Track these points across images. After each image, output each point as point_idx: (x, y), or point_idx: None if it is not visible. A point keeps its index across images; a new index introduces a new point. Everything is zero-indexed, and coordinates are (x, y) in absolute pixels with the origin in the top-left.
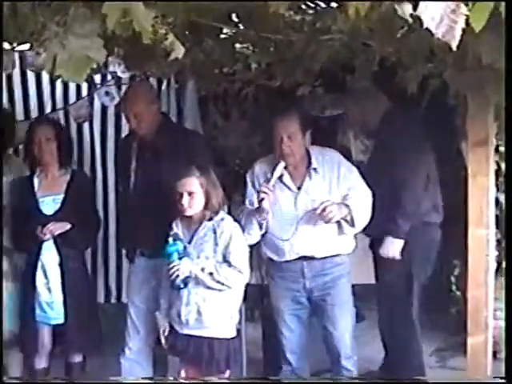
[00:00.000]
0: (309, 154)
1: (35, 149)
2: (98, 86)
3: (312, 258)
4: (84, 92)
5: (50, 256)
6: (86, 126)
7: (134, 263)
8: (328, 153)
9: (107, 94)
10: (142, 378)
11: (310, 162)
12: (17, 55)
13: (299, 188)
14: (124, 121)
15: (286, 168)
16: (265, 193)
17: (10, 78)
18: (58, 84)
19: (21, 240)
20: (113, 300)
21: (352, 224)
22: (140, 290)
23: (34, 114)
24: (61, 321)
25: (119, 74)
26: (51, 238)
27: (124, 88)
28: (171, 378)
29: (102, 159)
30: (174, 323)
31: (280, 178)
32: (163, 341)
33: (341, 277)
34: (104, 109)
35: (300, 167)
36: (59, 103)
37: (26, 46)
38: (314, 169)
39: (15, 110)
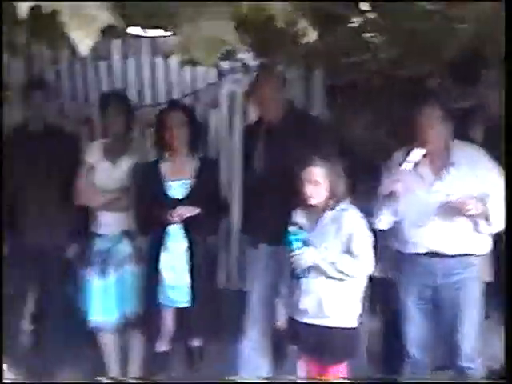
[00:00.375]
0: (449, 147)
1: (166, 134)
2: (227, 73)
3: (443, 255)
4: (212, 79)
5: (176, 240)
6: (213, 112)
7: (256, 250)
8: (469, 148)
9: (235, 80)
10: (258, 378)
11: (449, 156)
12: (146, 41)
13: (435, 180)
14: (251, 108)
15: (424, 156)
16: (398, 177)
17: (138, 62)
18: (187, 70)
19: (147, 223)
20: (233, 287)
21: (489, 222)
22: (260, 277)
23: (162, 99)
24: (184, 304)
25: (247, 61)
26: (179, 222)
27: (252, 75)
28: (290, 378)
29: (228, 146)
30: (294, 312)
31: (416, 166)
32: (280, 329)
33: (472, 278)
34: (231, 95)
35: (438, 159)
36: (187, 89)
37: (157, 31)
38: (453, 163)
39: (143, 95)
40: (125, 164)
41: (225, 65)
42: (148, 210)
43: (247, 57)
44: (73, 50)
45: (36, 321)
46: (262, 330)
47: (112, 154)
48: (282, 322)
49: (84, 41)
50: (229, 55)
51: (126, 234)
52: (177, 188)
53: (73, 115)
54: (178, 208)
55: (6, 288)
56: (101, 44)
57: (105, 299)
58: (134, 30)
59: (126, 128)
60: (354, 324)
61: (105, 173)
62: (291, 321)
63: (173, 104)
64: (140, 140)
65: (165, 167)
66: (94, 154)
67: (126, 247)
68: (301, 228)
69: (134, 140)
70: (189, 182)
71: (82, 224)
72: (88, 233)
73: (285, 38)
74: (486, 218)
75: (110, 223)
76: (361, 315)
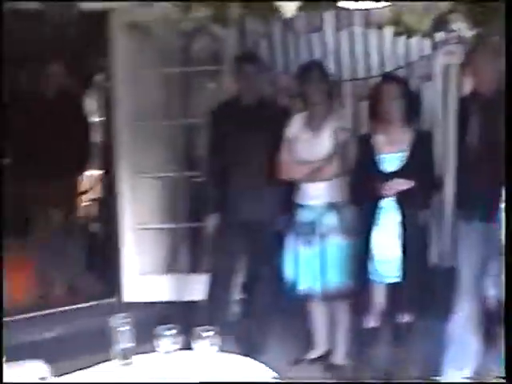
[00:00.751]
0: None
1: (380, 106)
2: (441, 44)
3: None
4: (427, 51)
5: (388, 214)
6: (427, 84)
7: (468, 226)
8: None
9: (449, 52)
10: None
11: None
12: (358, 13)
13: None
14: (466, 80)
15: None
16: None
17: (351, 35)
18: (400, 42)
19: (359, 195)
20: (444, 263)
21: None
22: (471, 254)
23: (375, 72)
24: (395, 279)
25: (462, 32)
26: (392, 196)
27: (467, 46)
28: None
29: (442, 119)
30: (502, 291)
31: None
32: (489, 308)
33: None
34: (446, 67)
35: None
36: (401, 62)
37: (369, 3)
38: None
39: (356, 68)
40: (326, 134)
41: (439, 36)
42: (362, 181)
43: (462, 27)
44: (285, 22)
45: (245, 290)
46: (471, 308)
47: (313, 124)
48: (490, 301)
49: (288, 3)
50: (443, 26)
51: (332, 205)
52: (390, 161)
53: (284, 88)
54: (391, 181)
55: (216, 260)
56: (313, 17)
57: (311, 269)
58: (345, 3)
59: (327, 98)
60: None
61: (306, 144)
62: (500, 301)
63: (387, 76)
64: (345, 111)
65: (378, 140)
66: (295, 125)
67: (331, 218)
68: None
69: (336, 110)
70: (403, 154)
71: (290, 196)
72: (294, 204)
73: (499, 9)
74: None
75: (313, 194)
76: None
